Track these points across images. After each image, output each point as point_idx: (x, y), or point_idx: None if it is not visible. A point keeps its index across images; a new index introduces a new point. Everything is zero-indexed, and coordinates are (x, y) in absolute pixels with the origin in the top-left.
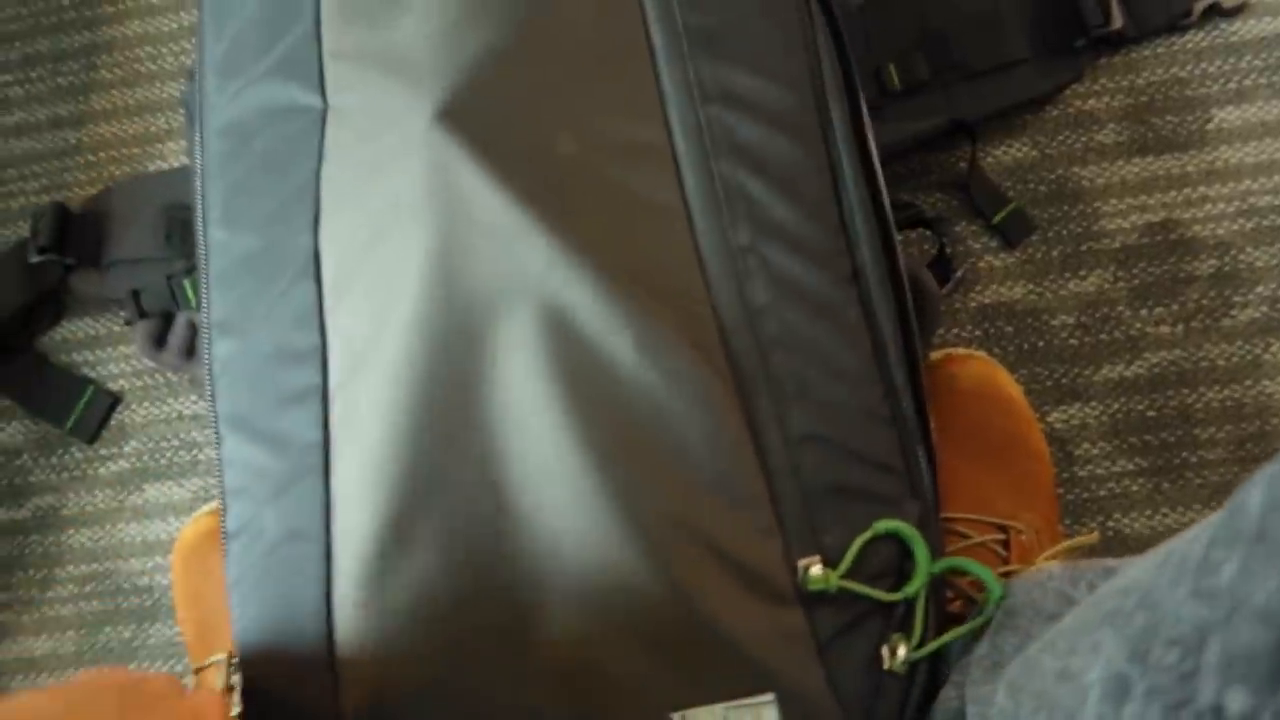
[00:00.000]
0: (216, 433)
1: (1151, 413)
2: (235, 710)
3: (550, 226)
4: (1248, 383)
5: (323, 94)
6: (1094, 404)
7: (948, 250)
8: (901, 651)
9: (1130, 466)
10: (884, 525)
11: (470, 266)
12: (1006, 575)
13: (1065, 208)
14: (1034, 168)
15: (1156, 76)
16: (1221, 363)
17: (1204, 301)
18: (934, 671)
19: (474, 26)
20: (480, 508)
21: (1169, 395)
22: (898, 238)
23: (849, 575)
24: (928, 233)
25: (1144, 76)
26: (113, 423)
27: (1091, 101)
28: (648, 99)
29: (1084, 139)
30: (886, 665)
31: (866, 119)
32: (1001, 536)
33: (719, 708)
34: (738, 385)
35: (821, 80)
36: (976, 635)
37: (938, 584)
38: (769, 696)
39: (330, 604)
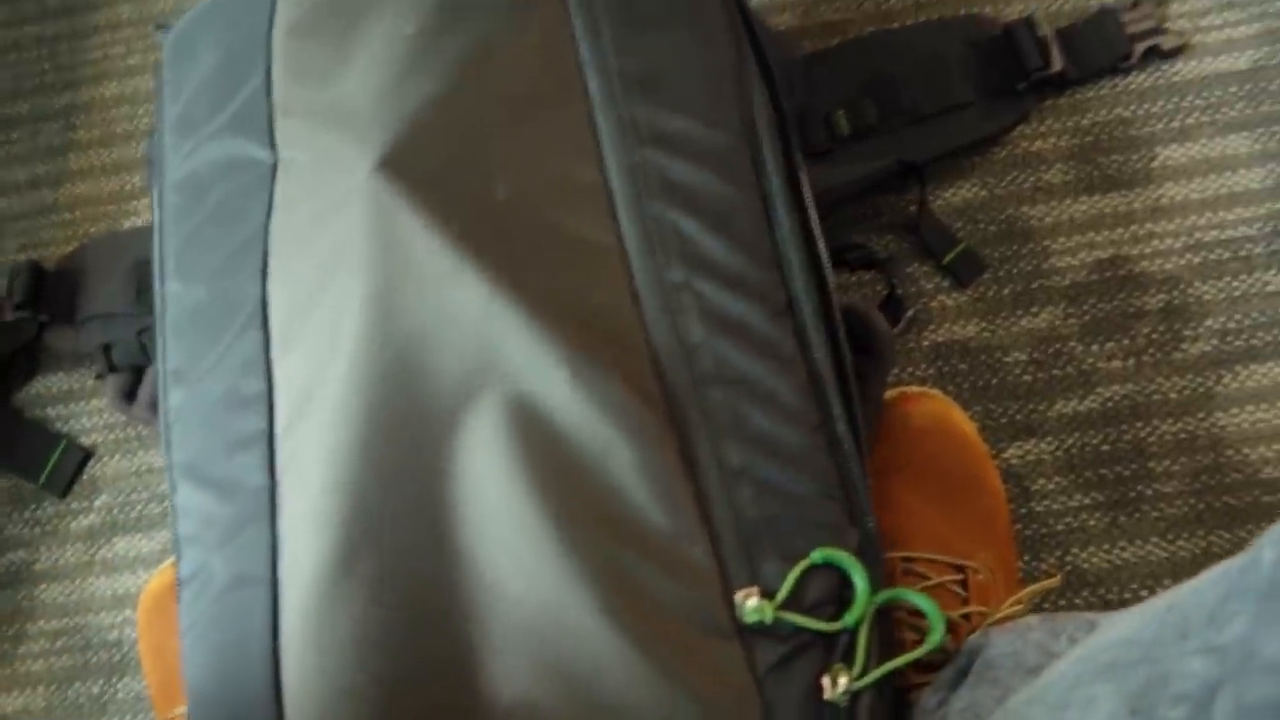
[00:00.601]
0: (170, 481)
1: (1106, 447)
2: None
3: (485, 268)
4: (1200, 415)
5: (273, 148)
6: (1049, 439)
7: (898, 291)
8: (842, 681)
9: (1087, 501)
10: (821, 554)
11: (407, 310)
12: (965, 617)
13: (1015, 246)
14: (983, 208)
15: (1101, 117)
16: (1174, 396)
17: (1154, 336)
18: (879, 702)
19: (415, 77)
20: (422, 546)
21: (1123, 429)
22: (830, 275)
23: (787, 605)
24: (879, 274)
25: (1089, 117)
26: (85, 476)
27: (1038, 142)
28: (583, 142)
29: (1032, 179)
30: (827, 695)
31: (798, 158)
32: (959, 577)
33: None
34: (673, 420)
35: (753, 121)
36: (952, 686)
37: (882, 613)
38: None
39: (277, 647)
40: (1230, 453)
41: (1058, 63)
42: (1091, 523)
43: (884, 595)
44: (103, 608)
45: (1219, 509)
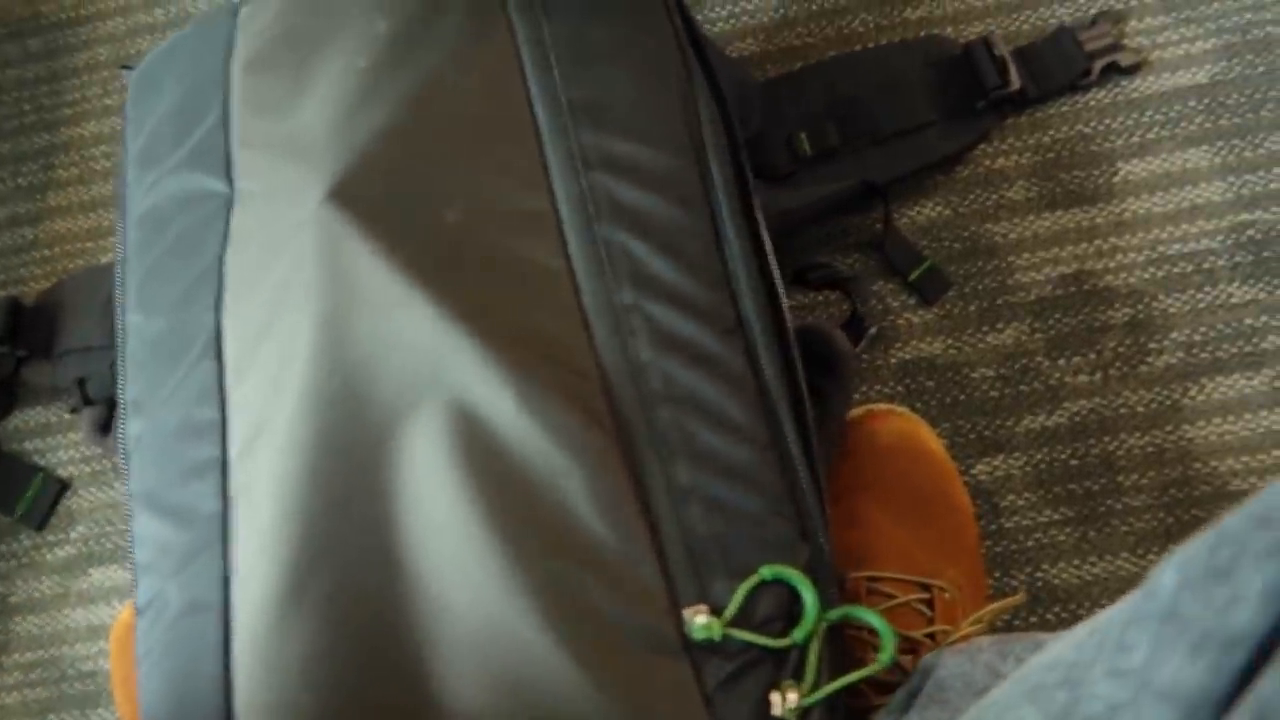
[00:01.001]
0: (129, 511)
1: (1074, 461)
2: None
3: (433, 295)
4: (1168, 428)
5: (229, 180)
6: (1017, 455)
7: (860, 309)
8: (791, 697)
9: (1056, 516)
10: (770, 571)
11: (356, 337)
12: (931, 636)
13: (980, 263)
14: (948, 226)
15: (1062, 134)
16: (1141, 409)
17: (1120, 349)
18: (832, 718)
19: (367, 109)
20: (372, 570)
21: (1091, 444)
22: (782, 294)
23: (736, 622)
24: (842, 293)
25: (1050, 134)
26: (60, 508)
27: (1001, 160)
28: (532, 169)
29: (995, 196)
30: (777, 712)
31: (750, 179)
32: (925, 595)
33: None
34: (622, 440)
35: (703, 144)
36: (904, 708)
37: (834, 630)
38: None
39: (229, 672)
40: (1198, 465)
41: (1016, 81)
42: (1061, 538)
43: (836, 613)
44: (78, 639)
45: (1188, 522)
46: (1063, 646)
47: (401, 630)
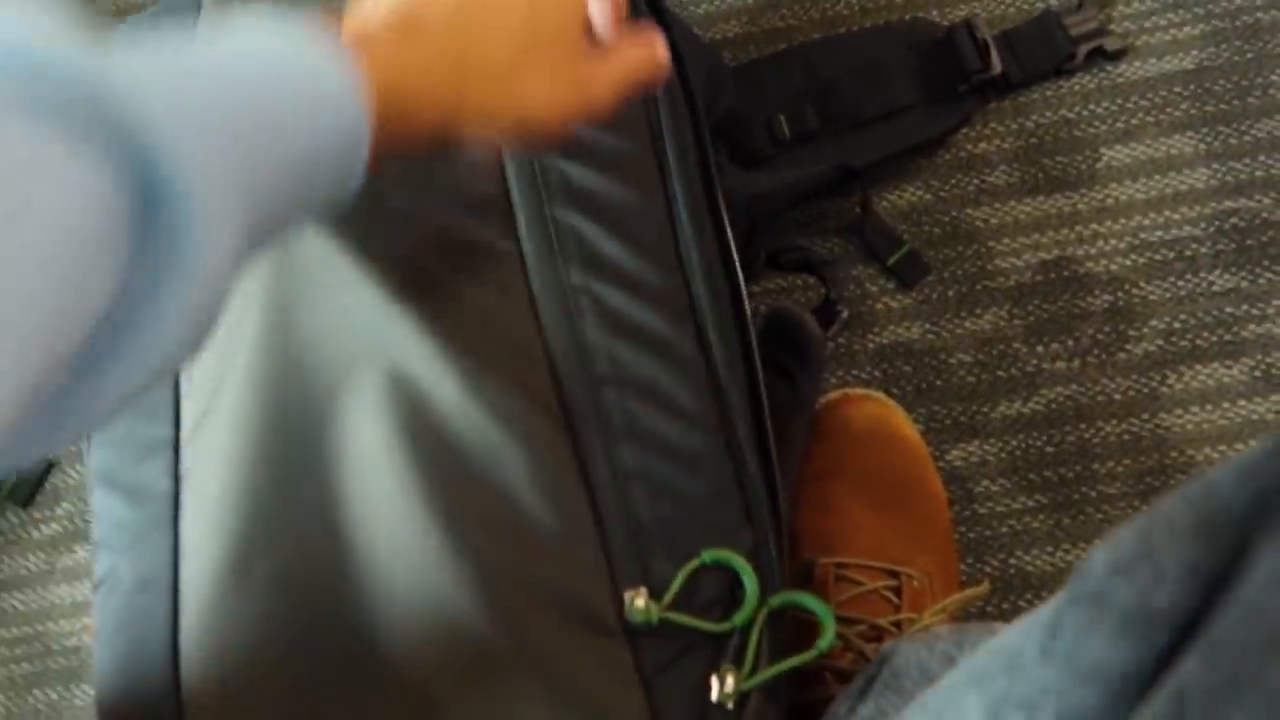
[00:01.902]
0: (90, 487)
1: (1050, 448)
2: None
3: (377, 276)
4: (1145, 416)
5: None
6: (993, 441)
7: (833, 294)
8: (730, 681)
9: (1030, 503)
10: (711, 555)
11: (302, 318)
12: (897, 624)
13: (960, 248)
14: (928, 210)
15: (1045, 119)
16: (1118, 397)
17: (1099, 336)
18: (769, 704)
19: None
20: (319, 549)
21: (1067, 431)
22: (740, 278)
23: (677, 606)
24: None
25: (1033, 119)
26: (46, 486)
27: (983, 145)
28: (484, 150)
29: (976, 181)
30: (714, 696)
31: (712, 162)
32: (894, 583)
33: None
34: (566, 422)
35: (660, 127)
36: (862, 695)
37: (778, 615)
38: None
39: (177, 651)
40: (1175, 454)
41: (998, 65)
42: (1035, 525)
43: (778, 598)
44: (62, 615)
45: None
46: (1007, 633)
47: (346, 608)
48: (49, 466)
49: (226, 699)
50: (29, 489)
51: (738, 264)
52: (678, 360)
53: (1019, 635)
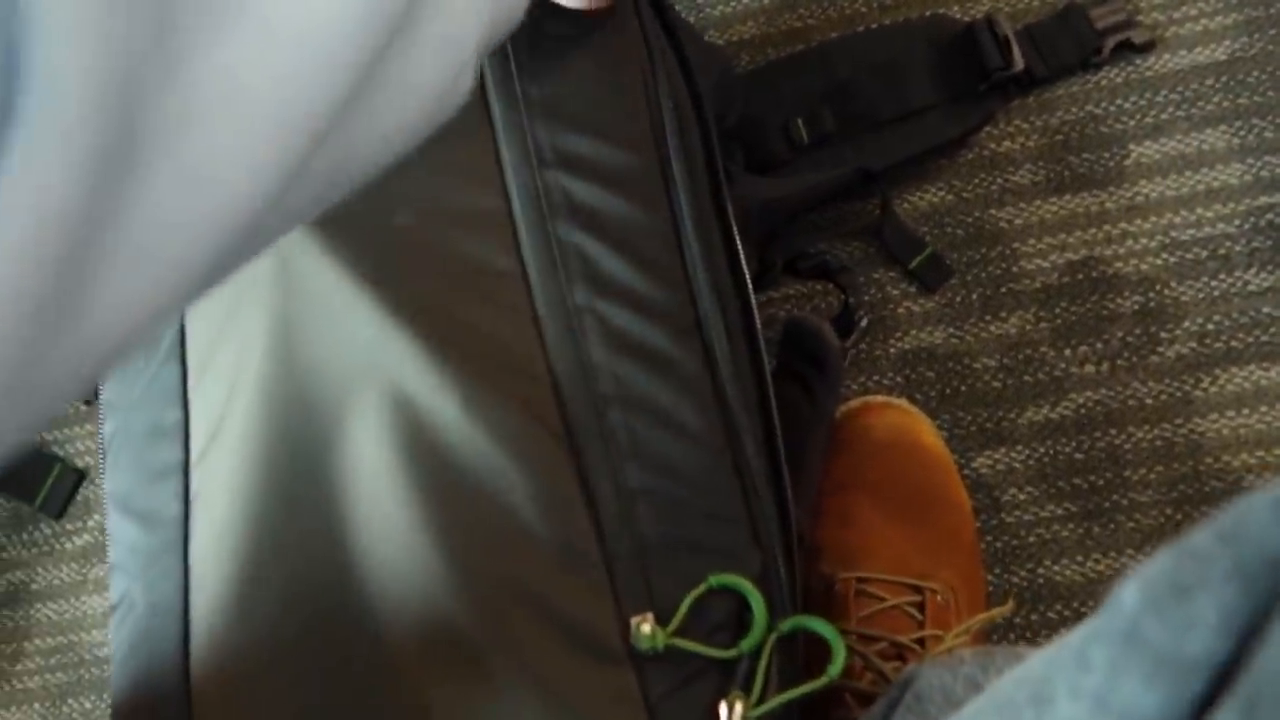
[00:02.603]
0: (107, 508)
1: (1079, 455)
2: None
3: (380, 298)
4: (1178, 421)
5: None
6: (1020, 448)
7: (852, 301)
8: (739, 708)
9: (1059, 511)
10: (717, 579)
11: (307, 341)
12: (919, 641)
13: (983, 250)
14: (950, 211)
15: (1071, 115)
16: (1150, 401)
17: (1129, 339)
18: None
19: None
20: (324, 573)
21: (1096, 436)
22: (750, 292)
23: (683, 631)
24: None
25: (1059, 115)
26: (79, 497)
27: (1006, 143)
28: (487, 167)
29: (1000, 180)
30: None
31: (721, 173)
32: (917, 598)
33: None
34: (572, 444)
35: (665, 139)
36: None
37: (787, 639)
38: None
39: (188, 674)
40: (1209, 460)
41: (1020, 61)
42: (1064, 534)
43: (787, 623)
44: (95, 625)
45: (1197, 519)
46: (1034, 662)
47: (351, 631)
48: (80, 478)
49: (236, 717)
50: (61, 501)
51: (748, 277)
52: (683, 379)
53: (1045, 665)
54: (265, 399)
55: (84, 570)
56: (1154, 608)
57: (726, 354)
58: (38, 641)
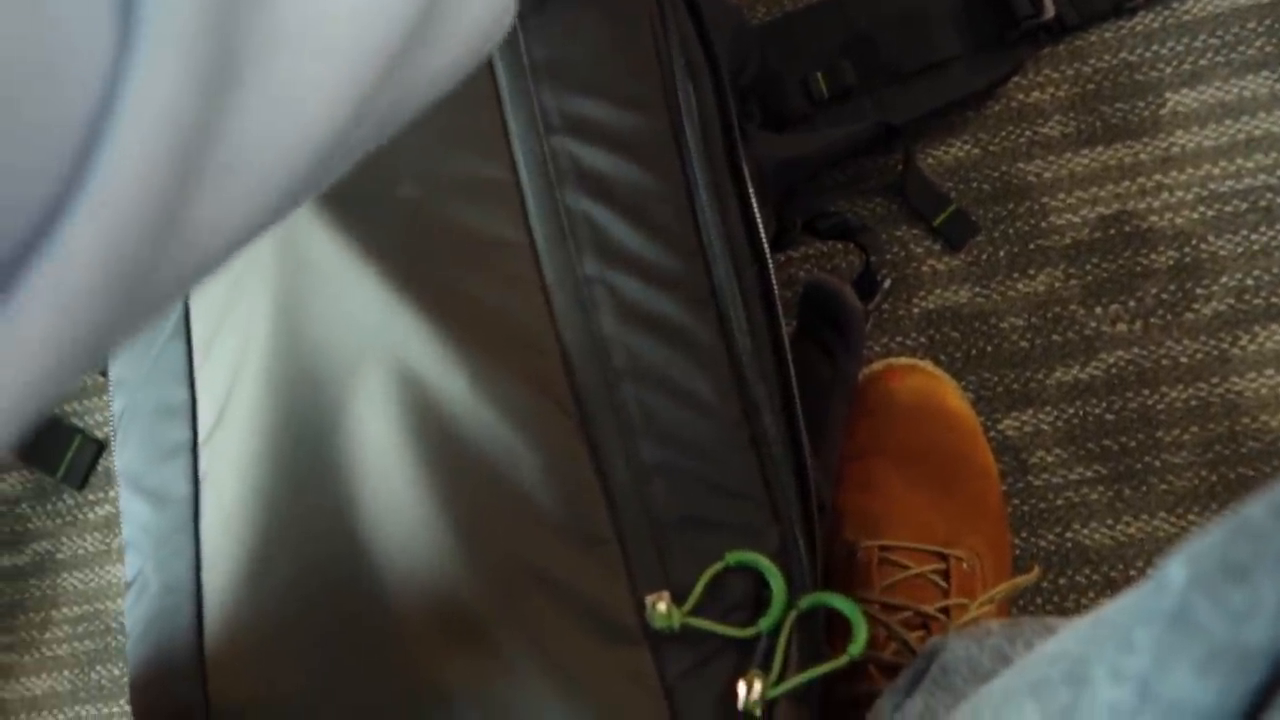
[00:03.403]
0: (119, 485)
1: (1110, 416)
2: None
3: (385, 274)
4: (1214, 380)
5: None
6: (1048, 409)
7: (874, 261)
8: (757, 687)
9: (1089, 474)
10: (735, 557)
11: (311, 317)
12: (944, 610)
13: (1011, 205)
14: (977, 166)
15: (1104, 63)
16: (1184, 360)
17: (1163, 296)
18: (798, 711)
19: None
20: (335, 552)
21: (1128, 397)
22: (768, 258)
23: (700, 610)
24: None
25: (1090, 64)
26: (99, 469)
27: (1035, 94)
28: (492, 135)
29: (1028, 133)
30: (741, 703)
31: (737, 134)
32: (941, 566)
33: None
34: (583, 419)
35: (676, 101)
36: (909, 691)
37: (807, 617)
38: None
39: (203, 654)
40: (1246, 420)
41: (1050, 9)
42: (1094, 497)
43: (807, 600)
44: (119, 594)
45: (1233, 481)
46: (1068, 637)
47: (362, 610)
48: (100, 449)
49: (251, 697)
50: (82, 471)
51: (765, 242)
52: (698, 351)
53: (1082, 642)
54: (271, 378)
55: (107, 540)
56: (1205, 588)
57: (742, 324)
58: (65, 610)
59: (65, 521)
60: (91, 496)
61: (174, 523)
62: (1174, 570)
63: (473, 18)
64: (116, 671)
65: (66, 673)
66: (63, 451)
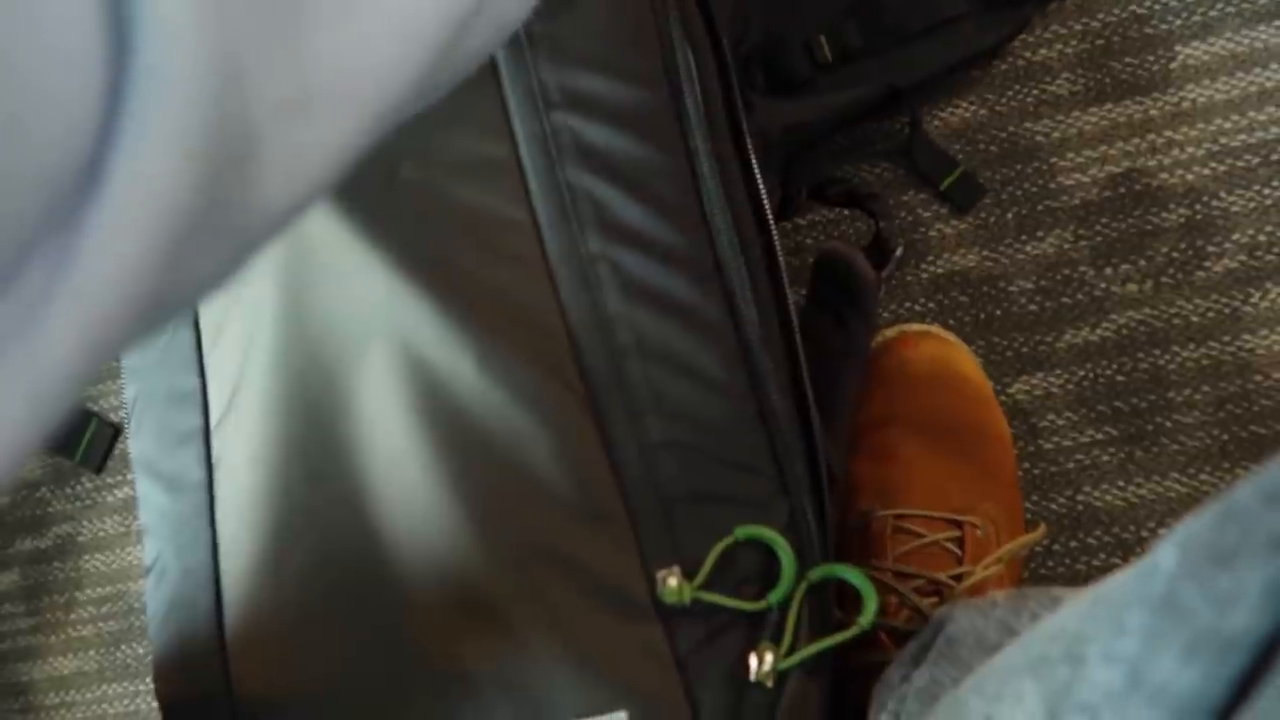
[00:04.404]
0: (135, 472)
1: (1120, 377)
2: None
3: (390, 257)
4: (1225, 338)
5: None
6: (1058, 372)
7: (885, 228)
8: (769, 659)
9: (1099, 436)
10: (744, 531)
11: (317, 302)
12: (957, 577)
13: (1019, 166)
14: (983, 127)
15: (1113, 17)
16: (1196, 319)
17: (1174, 255)
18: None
19: None
20: (349, 535)
21: (1139, 358)
22: (773, 230)
23: (710, 584)
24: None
25: (1099, 18)
26: (116, 452)
27: (1042, 51)
28: (491, 112)
29: (1036, 91)
30: (753, 675)
31: (739, 104)
32: (956, 534)
33: None
34: (590, 397)
35: (677, 74)
36: (916, 662)
37: (817, 588)
38: (620, 714)
39: (224, 637)
40: (1259, 379)
41: None
42: (1104, 459)
43: (817, 572)
44: (141, 575)
45: (1245, 440)
46: (1068, 614)
47: (378, 591)
48: (116, 433)
49: (272, 680)
50: (100, 455)
51: (770, 214)
52: (704, 326)
53: (1080, 619)
54: (280, 364)
55: (126, 522)
56: (1192, 574)
57: (749, 298)
58: (89, 591)
59: (85, 504)
60: (110, 480)
61: (190, 508)
62: (1164, 554)
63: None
64: (141, 650)
65: (92, 652)
66: (79, 436)
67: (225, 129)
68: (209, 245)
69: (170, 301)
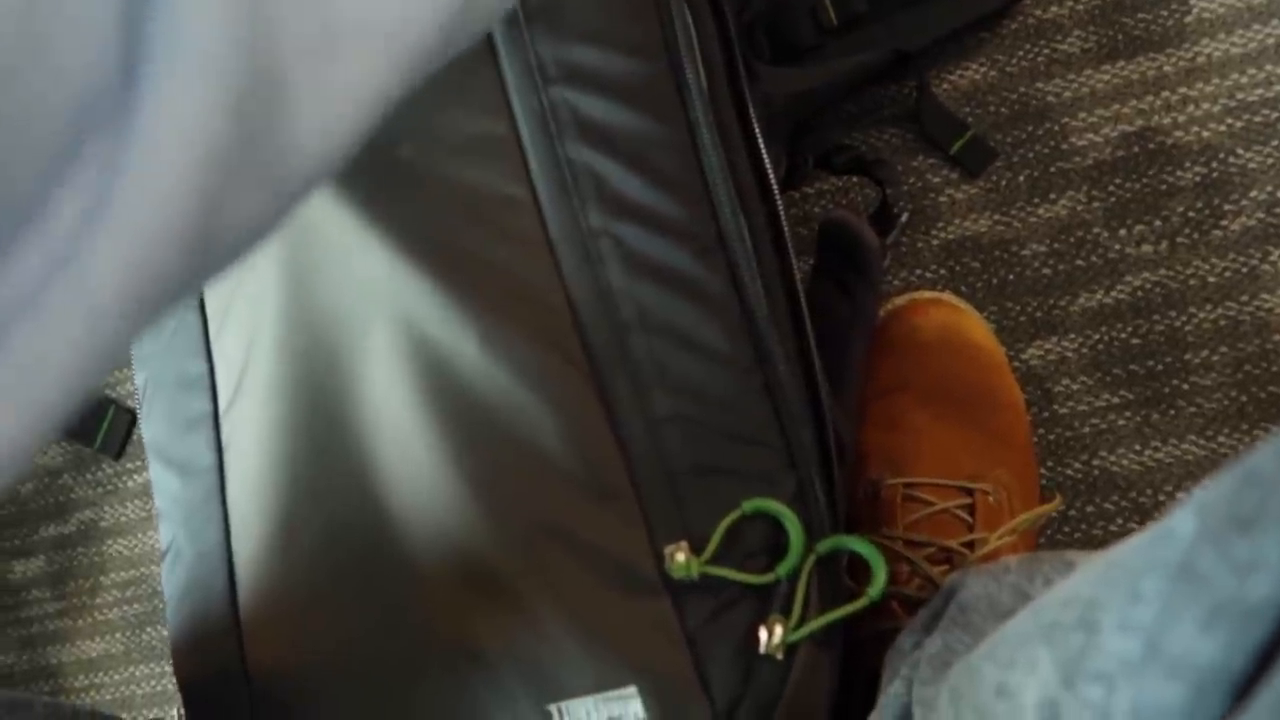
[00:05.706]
0: (148, 457)
1: (1136, 340)
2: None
3: (391, 236)
4: (1244, 298)
5: None
6: (1072, 336)
7: (891, 194)
8: (779, 632)
9: (1115, 400)
10: (751, 505)
11: (320, 285)
12: (968, 545)
13: (1030, 128)
14: (993, 89)
15: None
16: (1213, 279)
17: (1190, 214)
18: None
19: None
20: (358, 516)
21: (1155, 320)
22: (778, 199)
23: (718, 558)
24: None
25: None
26: (134, 437)
27: (1053, 9)
28: (489, 89)
29: (1046, 50)
30: (763, 648)
31: (742, 74)
32: (967, 501)
33: (589, 700)
34: (595, 373)
35: (676, 44)
36: (928, 629)
37: (826, 560)
38: (630, 689)
39: (239, 617)
40: (1278, 338)
41: None
42: (1120, 423)
43: (825, 544)
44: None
45: (1264, 400)
46: (1081, 580)
47: (387, 571)
48: (133, 419)
49: (286, 659)
50: (118, 441)
51: (774, 184)
52: (708, 299)
53: (1094, 584)
54: (285, 347)
55: (147, 506)
56: (1212, 540)
57: (753, 270)
58: (113, 575)
59: (106, 490)
60: (129, 465)
61: (202, 492)
62: (1182, 520)
63: None
64: (165, 632)
65: (119, 635)
66: (98, 423)
67: (251, 61)
68: (246, 186)
69: (216, 245)
